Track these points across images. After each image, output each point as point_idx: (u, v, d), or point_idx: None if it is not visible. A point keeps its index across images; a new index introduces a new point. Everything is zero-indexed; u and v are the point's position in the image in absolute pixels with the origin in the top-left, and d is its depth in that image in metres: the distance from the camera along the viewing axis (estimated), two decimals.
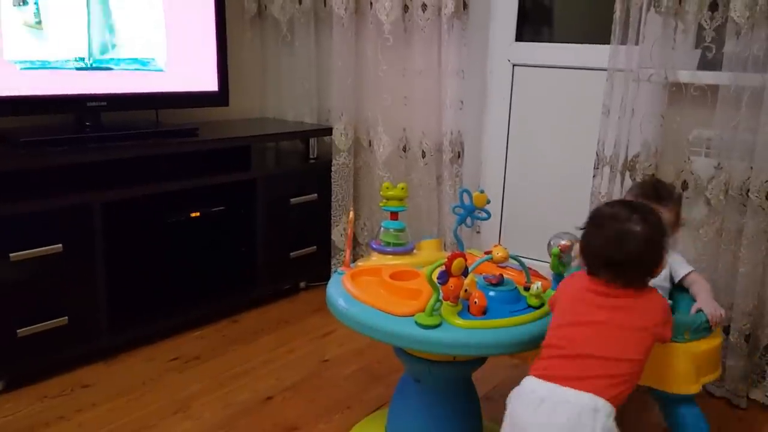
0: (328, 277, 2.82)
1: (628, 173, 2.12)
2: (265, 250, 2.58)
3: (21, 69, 2.01)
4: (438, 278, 1.40)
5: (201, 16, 2.43)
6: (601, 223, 1.40)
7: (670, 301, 1.66)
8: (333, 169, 2.74)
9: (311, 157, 2.79)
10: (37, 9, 2.00)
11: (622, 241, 1.35)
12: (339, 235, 2.81)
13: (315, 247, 2.78)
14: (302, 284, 2.83)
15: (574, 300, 1.40)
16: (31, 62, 2.03)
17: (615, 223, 1.37)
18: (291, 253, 2.68)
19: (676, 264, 1.77)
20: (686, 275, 1.75)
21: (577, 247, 1.57)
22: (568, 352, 1.32)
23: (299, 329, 2.46)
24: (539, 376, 1.32)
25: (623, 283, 1.36)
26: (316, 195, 2.72)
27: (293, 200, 2.63)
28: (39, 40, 2.03)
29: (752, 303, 1.94)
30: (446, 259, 1.39)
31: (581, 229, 1.44)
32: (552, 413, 1.27)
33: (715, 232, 1.98)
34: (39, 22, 2.02)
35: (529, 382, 1.33)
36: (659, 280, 1.66)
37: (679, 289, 1.77)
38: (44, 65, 2.05)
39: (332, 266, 2.85)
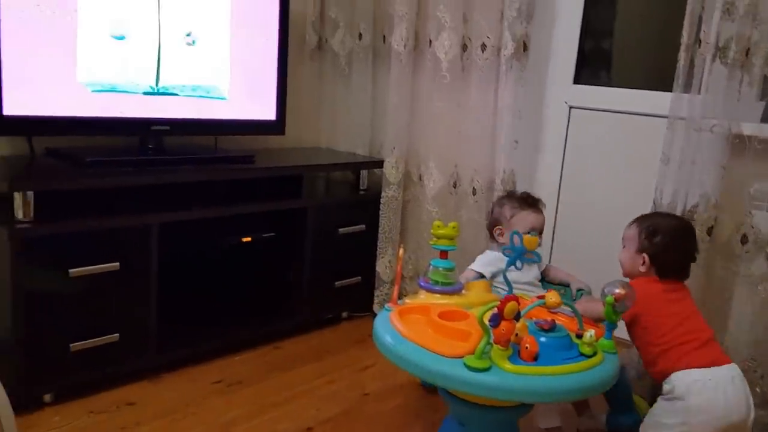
0: (370, 309, 2.86)
1: None
2: (311, 277, 2.60)
3: (92, 91, 2.08)
4: (489, 321, 1.39)
5: (265, 47, 2.50)
6: (680, 235, 1.75)
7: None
8: (382, 201, 2.75)
9: (361, 188, 2.81)
10: (116, 36, 2.09)
11: (696, 245, 1.78)
12: (384, 267, 2.81)
13: (359, 277, 2.79)
14: (344, 314, 2.84)
15: (664, 303, 1.70)
16: (102, 85, 2.10)
17: (689, 233, 1.79)
18: (336, 283, 2.70)
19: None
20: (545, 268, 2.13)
21: (631, 295, 1.55)
22: (702, 340, 1.63)
23: (340, 360, 2.45)
24: (700, 366, 1.59)
25: (685, 278, 1.76)
26: (364, 226, 2.74)
27: (341, 230, 2.65)
28: (112, 65, 2.11)
29: None
30: (498, 302, 1.38)
31: (653, 242, 1.73)
32: (737, 388, 1.58)
33: None
34: (115, 47, 2.10)
35: (698, 374, 1.58)
36: (533, 280, 2.05)
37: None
38: (114, 89, 2.13)
39: (375, 298, 2.85)
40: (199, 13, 2.28)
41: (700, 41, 1.97)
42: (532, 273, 2.05)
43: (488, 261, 2.05)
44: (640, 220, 1.81)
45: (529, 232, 1.92)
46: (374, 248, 2.79)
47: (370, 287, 2.84)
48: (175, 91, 2.26)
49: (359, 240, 2.75)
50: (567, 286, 2.09)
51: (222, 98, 2.39)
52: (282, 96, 2.57)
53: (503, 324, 1.38)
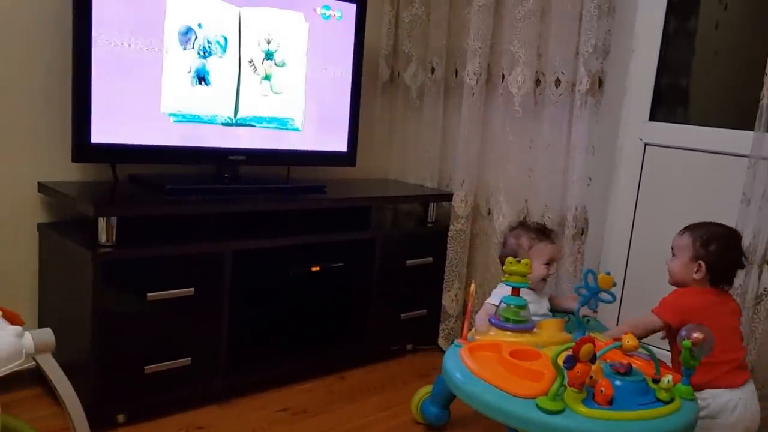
0: (435, 342, 2.84)
1: (766, 266, 2.00)
2: (378, 309, 2.61)
3: (174, 121, 2.17)
4: (564, 362, 1.36)
5: (339, 80, 2.55)
6: (732, 243, 1.82)
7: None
8: (450, 234, 2.75)
9: (429, 220, 2.81)
10: (197, 72, 2.18)
11: (744, 252, 1.85)
12: (450, 300, 2.80)
13: (425, 310, 2.78)
14: (409, 346, 2.83)
15: (716, 316, 1.73)
16: (183, 116, 2.19)
17: (738, 240, 1.85)
18: (402, 315, 2.69)
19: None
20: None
21: (709, 339, 1.50)
22: (740, 361, 1.73)
23: (405, 393, 2.43)
24: (736, 386, 1.69)
25: (731, 285, 1.85)
26: (431, 258, 2.73)
27: (409, 262, 2.66)
28: (194, 98, 2.19)
29: None
30: (574, 343, 1.35)
31: (708, 250, 1.79)
32: (755, 403, 1.72)
33: None
34: (198, 83, 2.19)
35: (732, 394, 1.68)
36: (546, 311, 2.08)
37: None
38: (194, 119, 2.21)
39: (440, 331, 2.83)
40: (278, 46, 2.36)
41: None
42: (545, 304, 2.07)
43: (504, 293, 1.96)
44: (692, 229, 1.86)
45: (547, 263, 2.05)
46: (441, 281, 2.78)
47: (435, 320, 2.82)
48: (252, 123, 2.34)
49: (426, 273, 2.74)
50: (572, 313, 2.05)
51: (296, 129, 2.46)
52: (354, 128, 2.62)
53: (578, 366, 1.35)
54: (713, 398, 1.68)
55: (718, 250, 1.79)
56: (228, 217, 2.23)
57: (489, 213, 2.74)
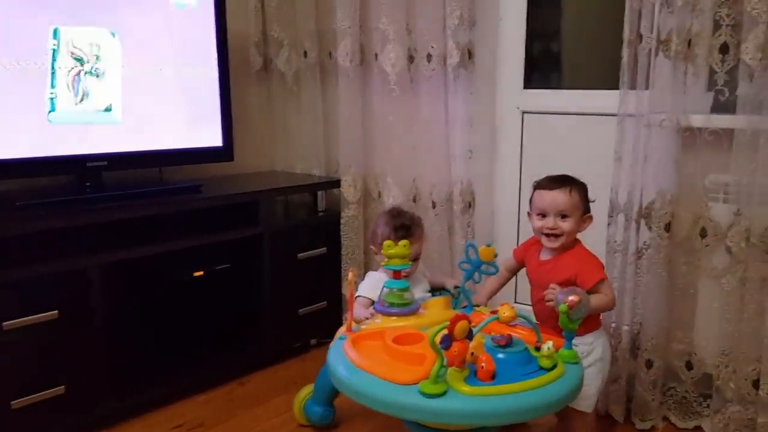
0: None
1: (643, 221, 2.03)
2: (273, 307, 2.51)
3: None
4: (441, 343, 1.32)
5: (204, 72, 2.42)
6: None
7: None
8: (342, 221, 2.68)
9: (319, 210, 2.74)
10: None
11: None
12: None
13: (325, 302, 2.71)
14: (313, 341, 2.75)
15: None
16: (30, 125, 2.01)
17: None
18: (300, 310, 2.61)
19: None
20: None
21: (585, 300, 1.49)
22: None
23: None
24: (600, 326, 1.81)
25: None
26: (325, 249, 2.66)
27: (301, 255, 2.57)
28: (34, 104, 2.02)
29: None
30: (449, 322, 1.31)
31: (589, 203, 1.82)
32: None
33: (738, 281, 1.88)
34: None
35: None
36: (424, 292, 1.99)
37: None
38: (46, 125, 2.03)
39: (344, 322, 2.76)
40: (131, 45, 2.21)
41: (641, 36, 1.93)
42: (423, 285, 2.01)
43: (372, 284, 1.96)
44: (567, 183, 1.79)
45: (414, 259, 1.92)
46: (338, 271, 2.72)
47: (337, 312, 2.75)
48: (112, 121, 2.17)
49: (321, 264, 2.67)
50: (443, 288, 2.03)
51: (161, 126, 2.31)
52: (227, 121, 2.49)
53: (455, 345, 1.31)
54: (596, 340, 1.77)
55: (587, 200, 1.81)
56: (95, 228, 2.07)
57: (379, 196, 2.69)
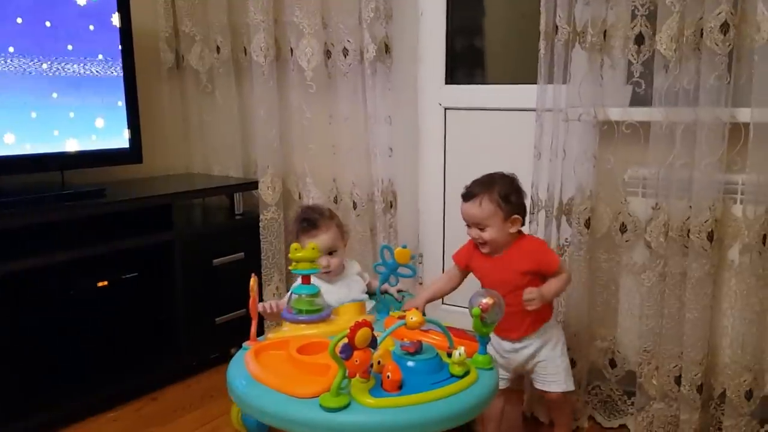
0: None
1: (564, 217, 1.99)
2: (187, 317, 2.38)
3: None
4: (341, 352, 1.22)
5: (108, 69, 2.26)
6: (515, 184, 1.79)
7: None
8: (261, 225, 2.56)
9: (237, 213, 2.61)
10: None
11: None
12: (272, 294, 2.61)
13: (245, 310, 2.56)
14: (233, 351, 2.61)
15: None
16: None
17: (512, 177, 1.82)
18: (217, 319, 2.47)
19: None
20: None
21: (499, 302, 1.42)
22: None
23: (225, 404, 2.23)
24: None
25: None
26: (243, 254, 2.53)
27: (216, 261, 2.44)
28: None
29: (702, 351, 1.80)
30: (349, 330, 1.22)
31: (512, 203, 1.74)
32: None
33: (658, 276, 1.85)
34: None
35: None
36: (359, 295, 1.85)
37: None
38: None
39: (265, 329, 2.64)
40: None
41: (557, 27, 1.88)
42: (358, 286, 1.89)
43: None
44: (480, 192, 1.73)
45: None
46: (258, 276, 2.58)
47: (259, 319, 2.62)
48: None
49: (240, 269, 2.52)
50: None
51: (63, 128, 2.15)
52: (134, 121, 2.34)
53: (356, 354, 1.22)
54: (551, 329, 1.82)
55: (516, 197, 1.75)
56: None
57: (300, 197, 2.58)
